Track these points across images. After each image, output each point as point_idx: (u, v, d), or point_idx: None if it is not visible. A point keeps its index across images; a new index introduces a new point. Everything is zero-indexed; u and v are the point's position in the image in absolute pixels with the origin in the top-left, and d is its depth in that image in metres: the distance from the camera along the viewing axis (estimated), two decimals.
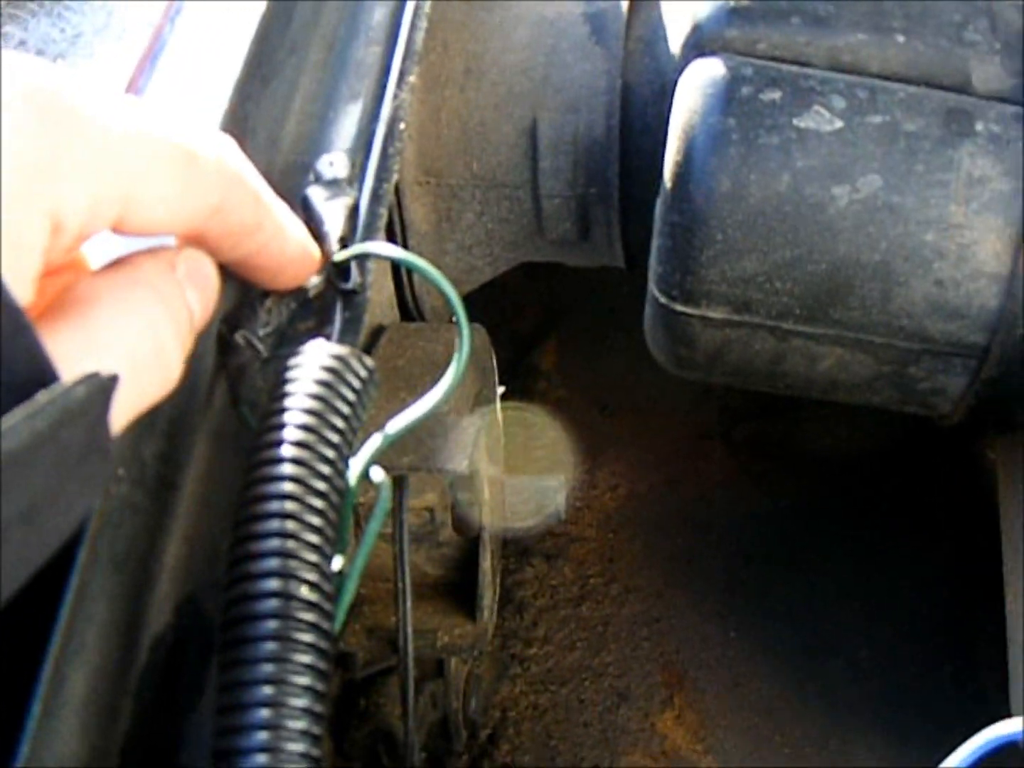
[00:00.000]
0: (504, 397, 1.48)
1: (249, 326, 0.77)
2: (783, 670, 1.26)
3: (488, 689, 1.15)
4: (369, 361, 0.71)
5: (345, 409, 0.68)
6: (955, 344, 1.04)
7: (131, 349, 0.56)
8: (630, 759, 1.22)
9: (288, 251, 0.72)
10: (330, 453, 0.65)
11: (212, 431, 0.75)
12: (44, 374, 0.48)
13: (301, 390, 0.67)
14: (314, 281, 0.79)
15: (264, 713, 0.57)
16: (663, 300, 1.08)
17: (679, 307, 1.07)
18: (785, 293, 1.04)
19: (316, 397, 0.67)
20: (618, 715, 1.25)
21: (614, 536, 1.39)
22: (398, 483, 0.94)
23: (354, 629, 0.98)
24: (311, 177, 0.86)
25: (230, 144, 0.64)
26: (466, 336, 0.76)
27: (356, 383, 0.69)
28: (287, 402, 0.66)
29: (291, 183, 0.85)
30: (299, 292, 0.79)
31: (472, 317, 1.48)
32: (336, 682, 1.01)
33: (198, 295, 0.64)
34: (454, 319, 0.77)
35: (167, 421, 0.72)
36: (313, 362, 0.69)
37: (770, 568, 1.34)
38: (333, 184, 0.85)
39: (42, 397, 0.46)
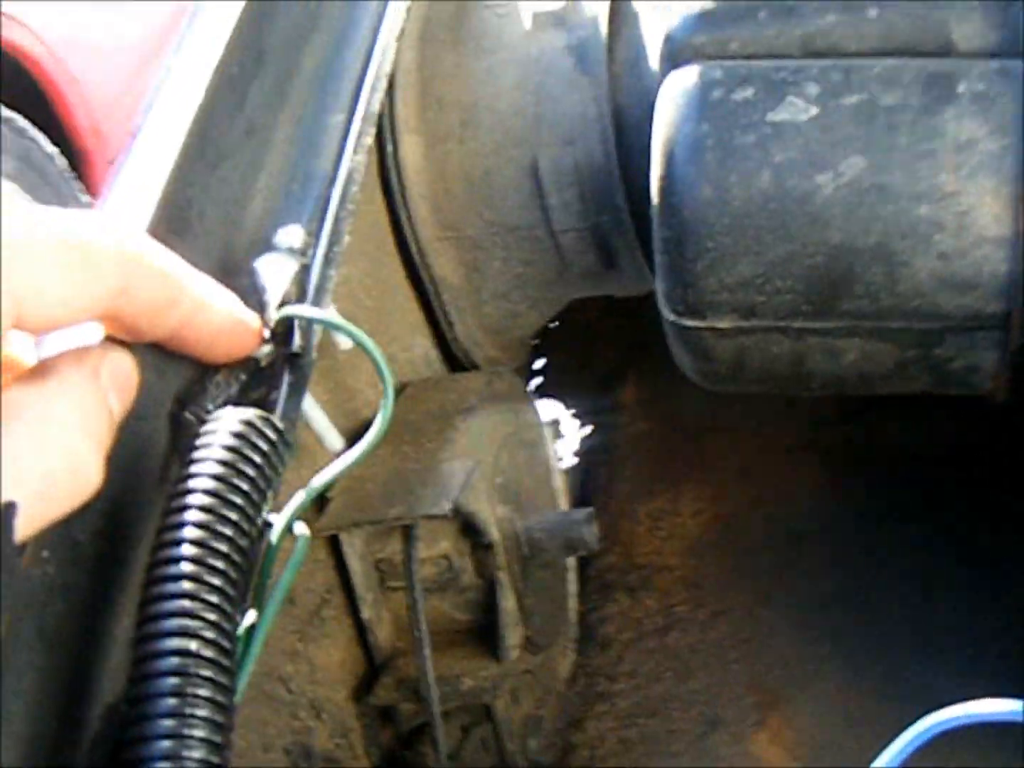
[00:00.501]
0: (591, 433, 1.49)
1: (199, 402, 0.79)
2: (884, 682, 1.22)
3: (552, 728, 1.14)
4: (278, 423, 0.72)
5: (250, 471, 0.68)
6: (974, 317, 1.00)
7: (45, 465, 0.58)
8: None
9: (215, 323, 0.73)
10: (233, 515, 0.66)
11: None
12: None
13: (206, 456, 0.68)
14: (264, 350, 0.80)
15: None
16: (672, 317, 1.06)
17: (688, 322, 1.05)
18: (787, 291, 1.01)
19: (221, 462, 0.68)
20: (710, 742, 1.22)
21: (699, 561, 1.37)
22: (406, 534, 0.94)
23: (384, 683, 0.99)
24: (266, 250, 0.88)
25: (131, 230, 0.66)
26: (389, 392, 0.77)
27: (263, 445, 0.70)
28: (192, 469, 0.68)
29: (254, 260, 0.87)
30: (249, 362, 0.80)
31: (557, 355, 1.49)
32: (384, 738, 1.02)
33: (118, 395, 0.66)
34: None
35: (107, 500, 0.74)
36: (221, 428, 0.70)
37: (865, 576, 1.30)
38: (284, 252, 0.87)
39: None
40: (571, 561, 1.26)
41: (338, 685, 0.98)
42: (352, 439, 0.96)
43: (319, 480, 0.74)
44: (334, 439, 0.87)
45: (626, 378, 1.52)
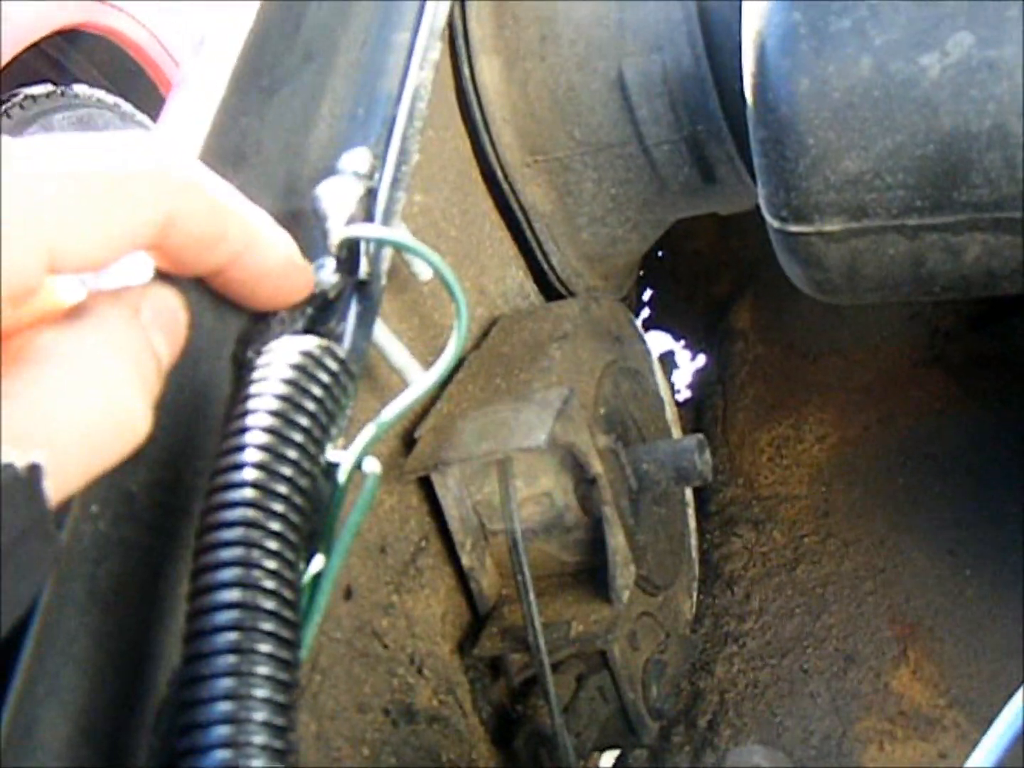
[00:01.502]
0: (704, 364, 1.42)
1: (262, 340, 0.74)
2: None
3: (676, 673, 1.07)
4: (340, 352, 0.66)
5: (311, 405, 0.63)
6: None
7: (83, 414, 0.54)
8: (864, 725, 1.11)
9: (266, 263, 0.68)
10: (292, 453, 0.61)
11: None
12: None
13: (262, 391, 0.63)
14: (331, 280, 0.75)
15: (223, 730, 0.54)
16: (777, 225, 0.99)
17: (794, 228, 0.98)
18: (899, 186, 0.94)
19: (279, 397, 0.62)
20: (847, 680, 1.15)
21: (827, 489, 1.29)
22: (502, 470, 0.88)
23: (490, 633, 0.93)
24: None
25: (179, 156, 0.61)
26: (463, 314, 0.70)
27: (324, 377, 0.65)
28: (247, 405, 0.62)
29: (314, 190, 0.81)
30: (315, 296, 0.75)
31: (665, 286, 1.43)
32: (495, 692, 0.96)
33: (165, 336, 0.61)
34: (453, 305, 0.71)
35: (164, 449, 0.69)
36: (277, 360, 0.65)
37: (1005, 493, 1.21)
38: (349, 176, 0.81)
39: None
40: (690, 496, 1.19)
41: (440, 638, 0.92)
42: None
43: (389, 413, 0.68)
44: (416, 374, 0.81)
45: (739, 305, 1.45)
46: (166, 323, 0.61)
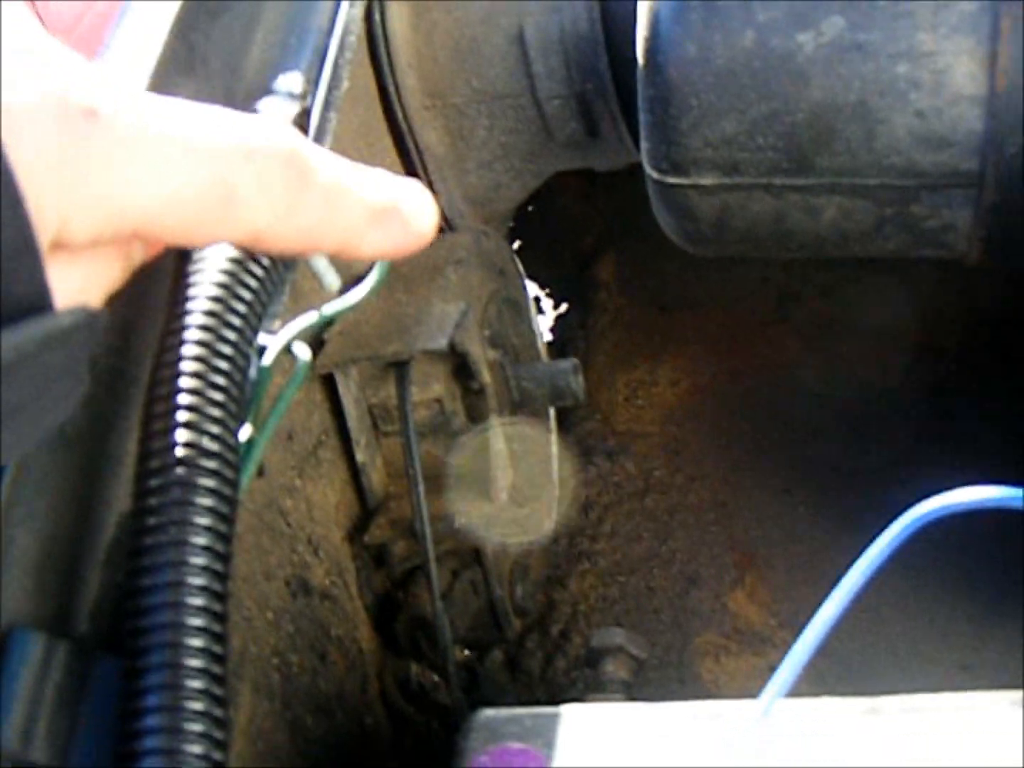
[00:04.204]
0: (567, 312, 1.52)
1: None
2: (855, 540, 1.26)
3: (537, 580, 1.18)
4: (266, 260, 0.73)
5: (247, 294, 0.70)
6: (949, 174, 1.03)
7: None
8: (703, 639, 1.23)
9: (362, 208, 0.65)
10: (231, 335, 0.68)
11: None
12: (41, 299, 0.51)
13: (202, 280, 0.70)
14: None
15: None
16: (656, 176, 1.09)
17: (672, 179, 1.08)
18: (769, 148, 1.04)
19: (218, 284, 0.69)
20: (688, 598, 1.27)
21: (677, 429, 1.40)
22: (400, 374, 0.97)
23: (378, 523, 1.02)
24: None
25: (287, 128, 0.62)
26: None
27: (259, 270, 0.72)
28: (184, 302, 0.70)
29: (253, 106, 0.89)
30: None
31: (533, 237, 1.51)
32: (378, 579, 1.05)
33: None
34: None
35: (119, 318, 0.77)
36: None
37: (840, 444, 1.34)
38: (284, 96, 0.89)
39: (34, 325, 0.50)
40: (553, 424, 1.29)
41: (333, 526, 1.01)
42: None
43: (328, 309, 0.77)
44: (333, 279, 0.89)
45: (603, 259, 1.55)
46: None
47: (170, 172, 0.54)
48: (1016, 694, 0.70)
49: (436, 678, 1.06)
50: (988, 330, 1.40)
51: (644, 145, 1.08)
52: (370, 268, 0.82)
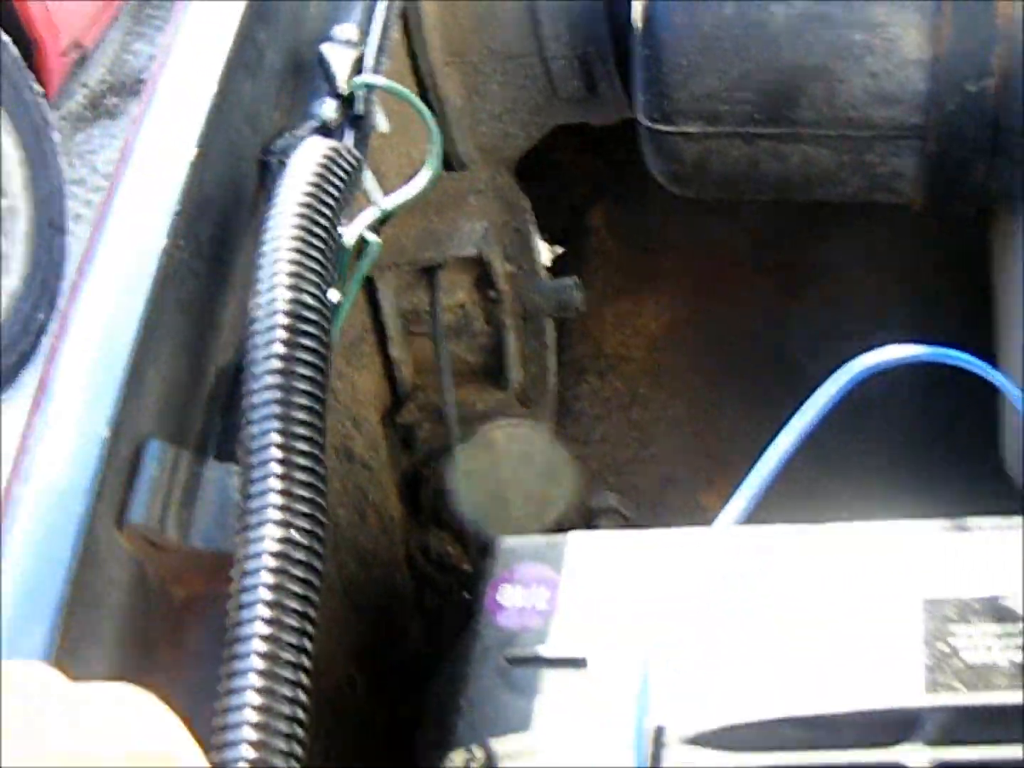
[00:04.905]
0: (563, 255, 1.70)
1: (280, 150, 1.00)
2: (822, 452, 1.44)
3: None
4: (355, 152, 0.92)
5: (335, 192, 0.89)
6: (898, 127, 1.21)
7: None
8: None
9: None
10: (323, 226, 0.86)
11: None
12: None
13: (300, 179, 0.88)
14: (333, 116, 1.01)
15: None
16: (649, 125, 1.27)
17: (662, 128, 1.26)
18: (745, 102, 1.22)
19: (312, 184, 0.88)
20: (667, 496, 1.45)
21: (660, 354, 1.59)
22: (430, 279, 1.16)
23: (409, 408, 1.20)
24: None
25: None
26: (435, 135, 0.98)
27: (348, 167, 0.91)
28: (286, 190, 0.88)
29: (315, 50, 1.07)
30: (320, 125, 1.01)
31: (530, 188, 1.69)
32: (406, 459, 1.24)
33: None
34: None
35: (218, 213, 0.95)
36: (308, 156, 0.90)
37: (807, 362, 1.51)
38: (343, 43, 1.07)
39: None
40: (552, 342, 1.47)
41: (371, 409, 1.19)
42: None
43: (389, 202, 0.95)
44: (379, 196, 1.07)
45: (595, 208, 1.74)
46: None
47: None
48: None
49: (452, 549, 1.25)
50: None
51: (639, 98, 1.26)
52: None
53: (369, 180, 1.11)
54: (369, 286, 1.17)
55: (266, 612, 0.70)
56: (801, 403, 0.85)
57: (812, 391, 1.50)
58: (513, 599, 0.89)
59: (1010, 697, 0.74)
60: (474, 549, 1.20)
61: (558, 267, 1.71)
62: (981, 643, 0.78)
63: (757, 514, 0.85)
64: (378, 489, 1.17)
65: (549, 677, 0.83)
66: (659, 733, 0.74)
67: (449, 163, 1.47)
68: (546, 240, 1.73)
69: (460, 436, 1.19)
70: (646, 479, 1.47)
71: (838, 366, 1.49)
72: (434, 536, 1.23)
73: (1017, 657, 0.77)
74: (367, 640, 1.09)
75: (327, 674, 1.00)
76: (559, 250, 1.72)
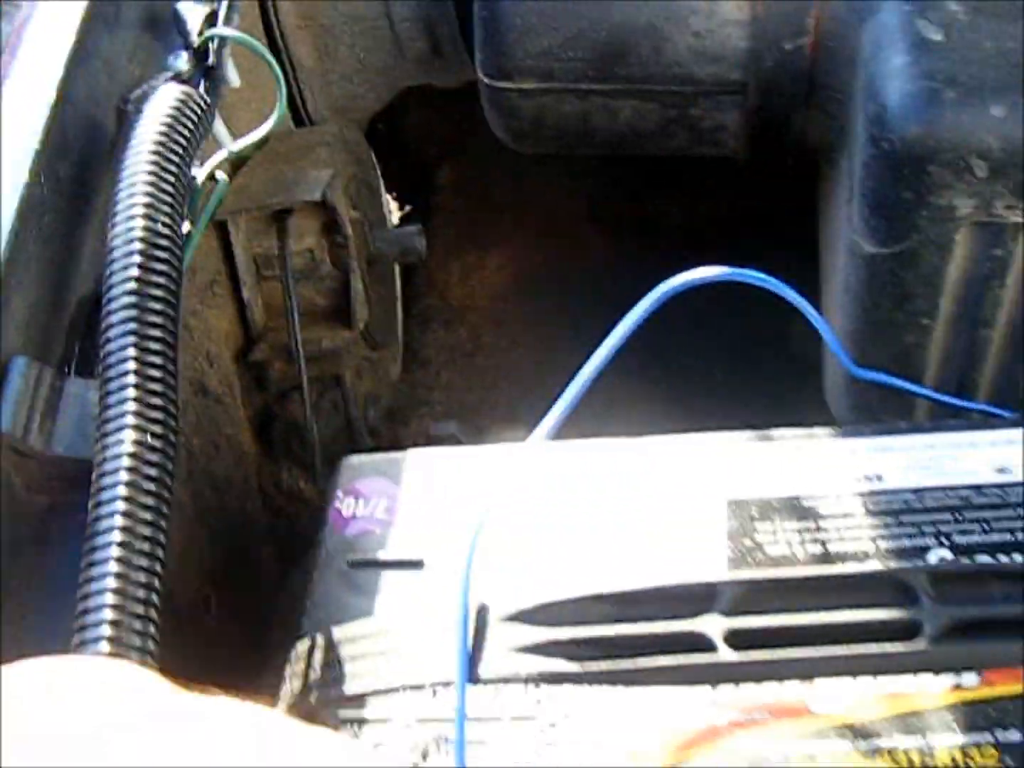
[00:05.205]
0: (411, 212, 1.77)
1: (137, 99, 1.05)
2: (658, 393, 1.53)
3: (385, 414, 1.43)
4: (205, 97, 0.98)
5: (190, 130, 0.95)
6: (720, 83, 1.29)
7: None
8: None
9: None
10: (177, 160, 0.93)
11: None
12: None
13: (153, 121, 0.95)
14: (186, 67, 1.07)
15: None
16: (487, 81, 1.34)
17: (500, 84, 1.33)
18: (577, 60, 1.29)
19: (165, 124, 0.94)
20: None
21: (503, 305, 1.67)
22: (280, 224, 1.22)
23: (261, 347, 1.27)
24: None
25: None
26: (281, 83, 1.04)
27: (199, 109, 0.97)
28: (141, 131, 0.94)
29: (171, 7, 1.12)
30: (174, 76, 1.07)
31: (381, 149, 1.76)
32: (259, 397, 1.30)
33: None
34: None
35: (78, 154, 1.01)
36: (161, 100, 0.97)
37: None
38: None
39: None
40: (399, 292, 1.54)
41: (224, 347, 1.24)
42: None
43: (237, 145, 1.01)
44: (229, 141, 1.13)
45: (442, 168, 1.82)
46: None
47: None
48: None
49: (304, 483, 1.32)
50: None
51: (478, 57, 1.33)
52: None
53: (220, 126, 1.17)
54: (222, 232, 1.23)
55: (123, 506, 0.76)
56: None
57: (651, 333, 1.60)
58: (355, 510, 0.95)
59: (799, 571, 0.82)
60: (322, 480, 1.27)
61: (406, 224, 1.79)
62: (783, 538, 0.86)
63: (572, 429, 0.91)
64: (232, 423, 1.23)
65: (388, 578, 0.90)
66: (481, 611, 0.81)
67: (301, 122, 1.54)
68: (395, 199, 1.80)
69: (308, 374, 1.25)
70: (491, 420, 1.54)
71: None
72: (285, 470, 1.30)
73: (815, 549, 0.85)
74: (221, 563, 1.15)
75: (183, 593, 1.06)
76: (408, 208, 1.79)
